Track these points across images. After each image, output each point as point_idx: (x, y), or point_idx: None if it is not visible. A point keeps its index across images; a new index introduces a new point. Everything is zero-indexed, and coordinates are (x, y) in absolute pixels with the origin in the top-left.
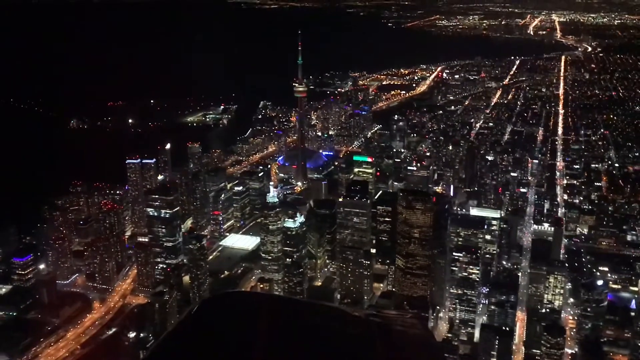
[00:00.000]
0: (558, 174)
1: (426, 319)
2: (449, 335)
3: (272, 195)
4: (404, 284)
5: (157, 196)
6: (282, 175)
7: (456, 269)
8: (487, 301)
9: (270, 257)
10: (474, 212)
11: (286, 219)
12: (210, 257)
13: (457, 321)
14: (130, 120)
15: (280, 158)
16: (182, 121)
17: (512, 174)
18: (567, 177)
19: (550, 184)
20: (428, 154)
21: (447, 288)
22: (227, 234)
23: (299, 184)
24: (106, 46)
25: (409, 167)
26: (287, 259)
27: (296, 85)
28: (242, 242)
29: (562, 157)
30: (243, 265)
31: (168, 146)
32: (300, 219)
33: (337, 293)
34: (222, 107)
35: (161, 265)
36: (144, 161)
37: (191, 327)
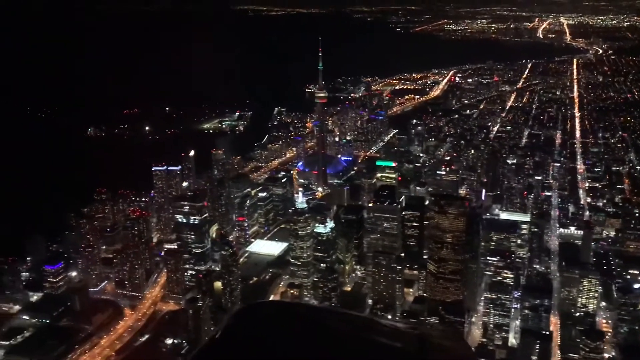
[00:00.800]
0: (579, 177)
1: (462, 324)
2: (484, 340)
3: (301, 201)
4: (436, 289)
5: (186, 203)
6: (302, 180)
7: (490, 273)
8: (520, 305)
9: (299, 263)
10: (504, 215)
11: (317, 225)
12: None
13: (491, 326)
14: (147, 128)
15: (299, 164)
16: (199, 128)
17: (536, 177)
18: (589, 180)
19: (573, 187)
20: (448, 158)
21: (479, 293)
22: (252, 239)
23: (320, 189)
24: (120, 54)
25: (437, 172)
26: (321, 264)
27: (316, 90)
28: (268, 248)
29: (582, 160)
30: (270, 271)
31: (192, 153)
32: (330, 224)
33: (369, 298)
34: (237, 113)
35: (190, 272)
36: (169, 168)
37: (229, 338)
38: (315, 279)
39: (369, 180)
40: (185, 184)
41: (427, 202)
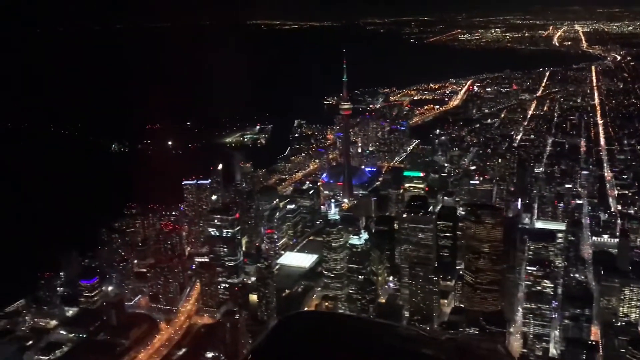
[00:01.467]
0: (608, 184)
1: (503, 335)
2: (524, 350)
3: (334, 212)
4: (474, 299)
5: (218, 215)
6: (327, 192)
7: (529, 283)
8: (559, 315)
9: (333, 275)
10: (538, 224)
11: (351, 236)
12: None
13: (531, 336)
14: (169, 143)
15: (324, 175)
16: (221, 142)
17: (566, 185)
18: (618, 188)
19: (602, 195)
20: (473, 167)
21: (517, 302)
22: (282, 252)
23: (346, 200)
24: (139, 71)
25: (470, 181)
26: (358, 276)
27: (341, 102)
28: (299, 260)
29: (609, 168)
30: (302, 283)
31: (220, 167)
32: (364, 235)
33: (405, 310)
34: (258, 127)
35: (223, 285)
36: (199, 182)
37: (273, 346)
38: (351, 291)
39: (396, 190)
40: (214, 197)
41: (459, 212)
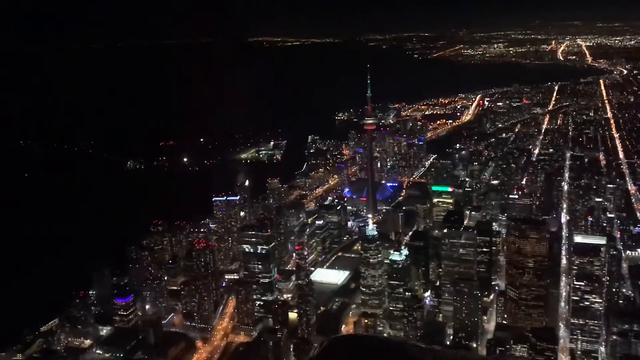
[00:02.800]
0: (633, 198)
1: (555, 352)
2: None
3: (371, 228)
4: (518, 315)
5: (253, 232)
6: (349, 207)
7: (577, 298)
8: (605, 331)
9: (370, 292)
10: (577, 239)
11: (392, 252)
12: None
13: (579, 352)
14: (184, 159)
15: (346, 191)
16: (236, 158)
17: (596, 199)
18: None
19: (629, 209)
20: (495, 182)
21: (563, 318)
22: (312, 268)
23: (370, 216)
24: (147, 89)
25: (510, 196)
26: (406, 293)
27: (365, 117)
28: (331, 276)
29: (632, 181)
30: (337, 300)
31: (247, 183)
32: (405, 251)
33: (448, 327)
34: (272, 142)
35: (258, 303)
36: (228, 198)
37: None
38: (392, 308)
39: (424, 205)
40: (242, 213)
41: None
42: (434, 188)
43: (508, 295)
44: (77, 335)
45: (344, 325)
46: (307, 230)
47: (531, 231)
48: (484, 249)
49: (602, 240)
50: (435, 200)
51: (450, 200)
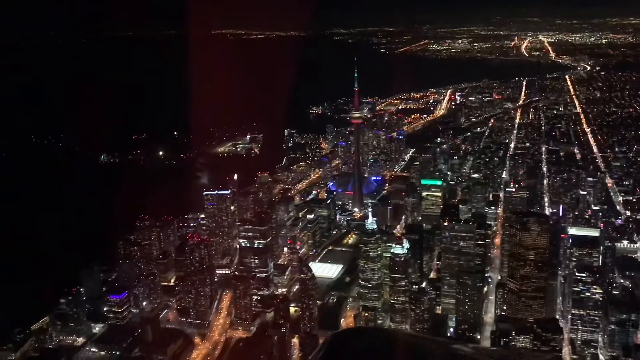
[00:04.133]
0: (611, 191)
1: (560, 342)
2: (574, 357)
3: (371, 222)
4: (518, 307)
5: (250, 226)
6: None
7: (578, 289)
8: (603, 320)
9: (370, 285)
10: (572, 231)
11: (394, 245)
12: (296, 287)
13: (579, 342)
14: (160, 153)
15: (330, 184)
16: (213, 152)
17: (581, 192)
18: (622, 194)
19: (609, 201)
20: (476, 175)
21: (561, 309)
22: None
23: (356, 210)
24: (114, 80)
25: (507, 189)
26: (413, 286)
27: (352, 111)
28: (324, 270)
29: (608, 175)
30: (333, 294)
31: (235, 177)
32: (406, 244)
33: (449, 320)
34: (248, 136)
35: (255, 298)
36: (219, 192)
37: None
38: (393, 301)
39: (412, 199)
40: (232, 207)
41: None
42: (423, 182)
43: (508, 287)
44: (69, 333)
45: (342, 319)
46: (300, 224)
47: (533, 224)
48: (479, 242)
49: (595, 232)
50: (424, 193)
51: (439, 194)
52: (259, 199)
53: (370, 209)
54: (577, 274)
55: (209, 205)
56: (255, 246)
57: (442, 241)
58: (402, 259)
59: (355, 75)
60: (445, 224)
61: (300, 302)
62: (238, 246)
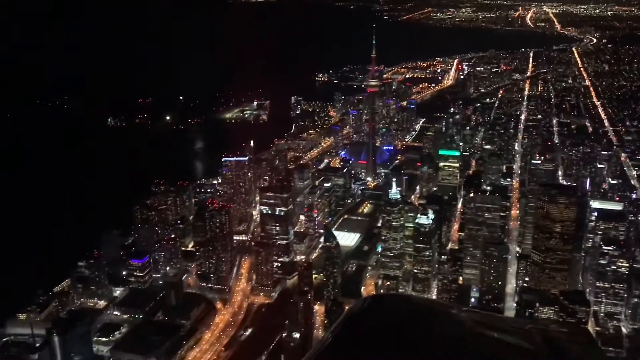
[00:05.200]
0: (625, 165)
1: (587, 314)
2: (598, 329)
3: (395, 192)
4: (541, 278)
5: (272, 193)
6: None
7: (605, 262)
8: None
9: (391, 254)
10: (595, 205)
11: (419, 215)
12: (314, 254)
13: (602, 314)
14: (167, 117)
15: (342, 153)
16: (221, 117)
17: (599, 165)
18: (636, 169)
19: (622, 175)
20: (488, 146)
21: (584, 281)
22: (321, 230)
23: (369, 179)
24: (120, 44)
25: (532, 161)
26: (442, 256)
27: (368, 79)
28: (342, 239)
29: (620, 149)
30: (352, 263)
31: (252, 143)
32: (431, 214)
33: (472, 290)
34: (255, 102)
35: (276, 264)
36: (237, 159)
37: (358, 329)
38: (416, 271)
39: (428, 169)
40: (249, 174)
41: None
42: (441, 152)
43: (532, 259)
44: (90, 296)
45: (363, 287)
46: (318, 192)
47: (561, 196)
48: (502, 213)
49: (619, 206)
50: (441, 164)
51: (457, 165)
52: (276, 167)
53: (394, 179)
54: (603, 247)
55: (226, 171)
56: (277, 213)
57: (465, 212)
58: (427, 229)
59: (374, 42)
60: (471, 195)
61: (324, 270)
62: (259, 213)
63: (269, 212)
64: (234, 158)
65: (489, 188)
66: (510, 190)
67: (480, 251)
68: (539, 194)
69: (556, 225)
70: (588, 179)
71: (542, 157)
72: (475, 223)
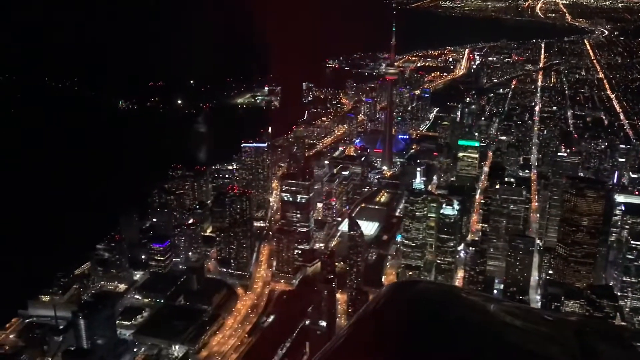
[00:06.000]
0: None
1: (616, 309)
2: (623, 323)
3: (419, 182)
4: (565, 272)
5: (294, 181)
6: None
7: (632, 257)
8: None
9: (414, 244)
10: (620, 198)
11: (444, 205)
12: (334, 242)
13: (627, 309)
14: (179, 102)
15: (357, 141)
16: (232, 102)
17: (620, 159)
18: None
19: None
20: (504, 137)
21: (607, 275)
22: (339, 218)
23: (385, 168)
24: (126, 28)
25: (558, 153)
26: (470, 248)
27: (386, 67)
28: (362, 227)
29: (633, 142)
30: (372, 252)
31: (270, 130)
32: (456, 205)
33: (498, 282)
34: (266, 88)
35: (297, 252)
36: (256, 145)
37: (386, 315)
38: (439, 261)
39: (447, 160)
40: (267, 160)
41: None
42: (460, 142)
43: (556, 252)
44: (110, 279)
45: (384, 277)
46: (337, 180)
47: (589, 190)
48: (525, 205)
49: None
50: (460, 154)
51: (476, 155)
52: (294, 154)
53: (418, 169)
54: (632, 242)
55: (245, 156)
56: (298, 201)
57: (489, 203)
58: (452, 220)
59: (394, 29)
60: (497, 186)
61: (348, 258)
62: (275, 200)
63: (290, 199)
64: (254, 144)
65: (512, 180)
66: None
67: (506, 243)
68: (566, 186)
69: (583, 219)
70: (616, 173)
71: (568, 150)
72: (500, 215)
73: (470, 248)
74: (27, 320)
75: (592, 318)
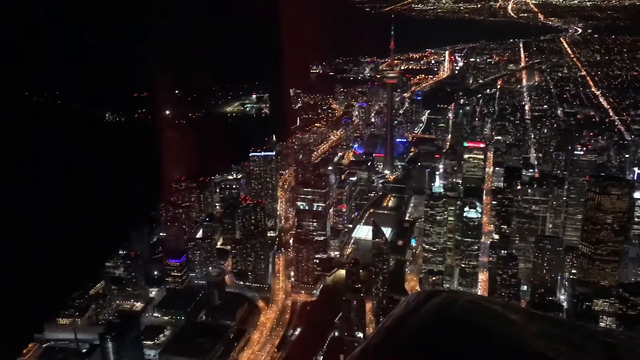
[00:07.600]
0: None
1: None
2: None
3: (438, 185)
4: (590, 271)
5: (309, 189)
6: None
7: None
8: None
9: (435, 249)
10: (636, 195)
11: (467, 209)
12: (348, 249)
13: None
14: (166, 112)
15: (356, 146)
16: (222, 111)
17: (625, 155)
18: None
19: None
20: (499, 137)
21: (628, 273)
22: (350, 225)
23: (387, 172)
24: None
25: (575, 152)
26: (501, 251)
27: (386, 70)
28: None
29: (631, 137)
30: (390, 257)
31: (274, 138)
32: (479, 208)
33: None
34: (254, 95)
35: (315, 261)
36: (264, 154)
37: (413, 325)
38: (464, 265)
39: (452, 162)
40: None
41: None
42: (466, 144)
43: (580, 251)
44: (126, 297)
45: (405, 283)
46: (347, 187)
47: (613, 187)
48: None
49: None
50: (465, 156)
51: (482, 157)
52: (300, 161)
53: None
54: None
55: (253, 166)
56: (314, 209)
57: (508, 204)
58: (475, 223)
59: (392, 32)
60: (519, 187)
61: (373, 266)
62: (286, 208)
63: (307, 207)
64: (262, 153)
65: (532, 180)
66: None
67: (528, 244)
68: (589, 185)
69: (607, 217)
70: (636, 170)
71: (585, 148)
72: (523, 216)
73: (502, 251)
74: (44, 345)
75: (620, 330)
